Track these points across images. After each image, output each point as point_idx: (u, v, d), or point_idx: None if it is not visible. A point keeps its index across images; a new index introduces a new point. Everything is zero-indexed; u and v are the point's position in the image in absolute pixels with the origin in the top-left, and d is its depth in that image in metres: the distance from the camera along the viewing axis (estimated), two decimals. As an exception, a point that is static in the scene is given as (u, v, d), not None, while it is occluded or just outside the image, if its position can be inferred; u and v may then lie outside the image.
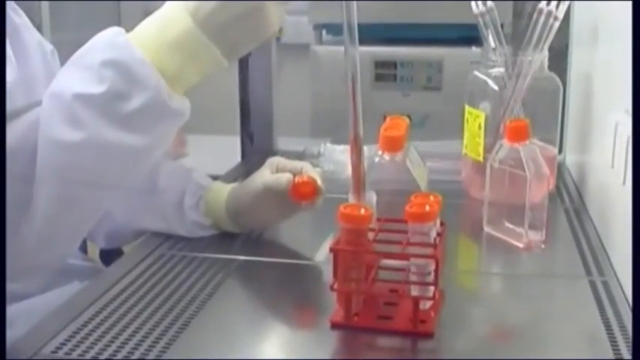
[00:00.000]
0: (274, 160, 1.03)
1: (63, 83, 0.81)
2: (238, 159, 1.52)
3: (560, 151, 1.38)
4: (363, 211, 0.77)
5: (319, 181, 0.99)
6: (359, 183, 0.82)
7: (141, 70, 0.79)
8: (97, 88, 0.78)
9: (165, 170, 1.06)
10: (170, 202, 1.04)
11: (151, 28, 0.81)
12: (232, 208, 1.03)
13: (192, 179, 1.06)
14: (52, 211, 0.83)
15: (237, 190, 1.05)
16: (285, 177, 0.99)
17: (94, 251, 1.24)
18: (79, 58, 0.81)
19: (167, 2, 0.82)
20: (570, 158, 1.43)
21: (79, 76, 0.79)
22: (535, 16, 1.14)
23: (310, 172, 1.01)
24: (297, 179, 0.99)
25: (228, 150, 1.56)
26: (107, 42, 0.80)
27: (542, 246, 1.01)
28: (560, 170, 1.35)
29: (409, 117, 0.99)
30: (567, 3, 1.11)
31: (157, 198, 1.05)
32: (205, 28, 0.80)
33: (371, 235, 0.81)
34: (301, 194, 0.99)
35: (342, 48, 0.79)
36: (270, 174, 1.01)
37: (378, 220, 0.85)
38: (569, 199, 1.23)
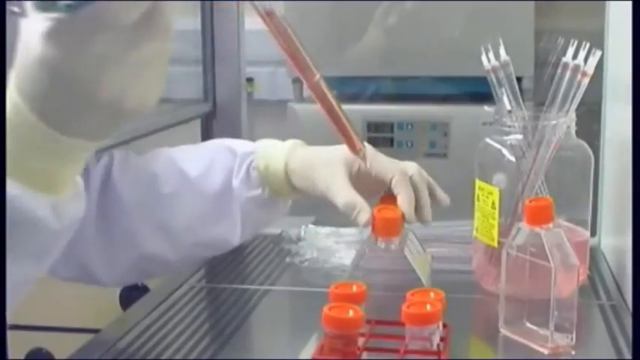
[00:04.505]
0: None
1: None
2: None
3: (593, 233, 1.39)
4: (351, 312, 0.78)
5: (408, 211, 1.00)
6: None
7: None
8: None
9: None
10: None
11: None
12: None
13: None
14: None
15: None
16: (364, 215, 0.99)
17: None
18: None
19: None
20: (606, 242, 1.44)
21: None
22: (559, 71, 1.14)
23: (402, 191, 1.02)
24: (377, 213, 0.98)
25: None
26: None
27: (573, 352, 1.02)
28: (593, 257, 1.35)
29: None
30: (598, 55, 1.12)
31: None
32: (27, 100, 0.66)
33: (361, 342, 0.82)
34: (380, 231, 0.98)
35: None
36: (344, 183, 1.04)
37: (369, 322, 0.86)
38: (605, 294, 1.24)
